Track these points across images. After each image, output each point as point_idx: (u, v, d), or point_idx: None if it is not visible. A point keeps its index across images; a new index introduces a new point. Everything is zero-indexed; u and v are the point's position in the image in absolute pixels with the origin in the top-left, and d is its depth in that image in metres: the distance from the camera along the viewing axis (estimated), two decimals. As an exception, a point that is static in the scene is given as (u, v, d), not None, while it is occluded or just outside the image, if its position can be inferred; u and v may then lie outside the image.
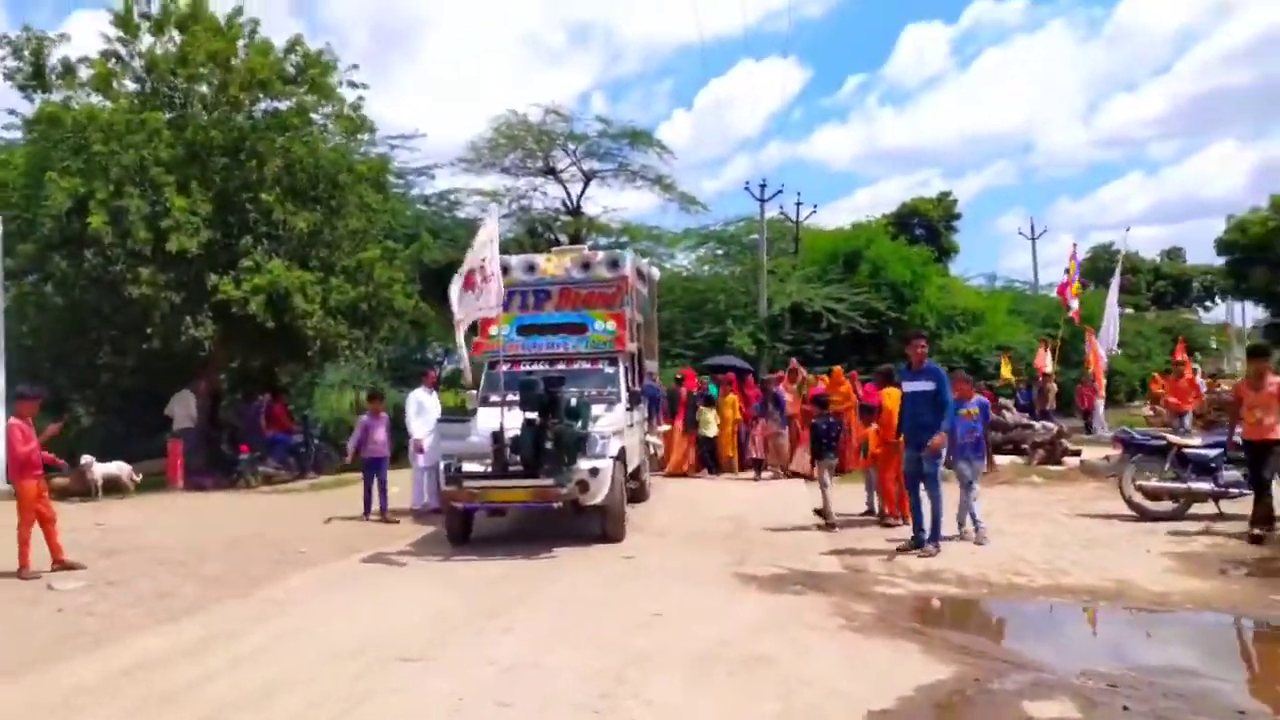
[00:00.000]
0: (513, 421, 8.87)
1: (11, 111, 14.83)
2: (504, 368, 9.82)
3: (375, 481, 10.79)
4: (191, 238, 13.41)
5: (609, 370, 10.60)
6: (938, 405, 8.12)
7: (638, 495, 11.42)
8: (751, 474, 14.70)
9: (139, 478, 13.64)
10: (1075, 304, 19.73)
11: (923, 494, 8.34)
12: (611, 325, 10.77)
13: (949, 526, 8.53)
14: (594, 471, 8.77)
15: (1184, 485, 9.35)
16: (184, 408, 15.27)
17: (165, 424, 15.42)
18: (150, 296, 13.45)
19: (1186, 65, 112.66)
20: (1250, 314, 39.69)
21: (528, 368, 10.41)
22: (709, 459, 15.23)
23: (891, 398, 9.36)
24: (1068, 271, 19.90)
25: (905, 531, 8.69)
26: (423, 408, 11.33)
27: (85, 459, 12.94)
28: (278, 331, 14.59)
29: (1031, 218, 42.46)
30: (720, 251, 29.90)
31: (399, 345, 23.52)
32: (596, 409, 9.51)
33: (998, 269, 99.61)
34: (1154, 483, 9.46)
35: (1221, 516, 9.24)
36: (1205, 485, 9.31)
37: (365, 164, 16.41)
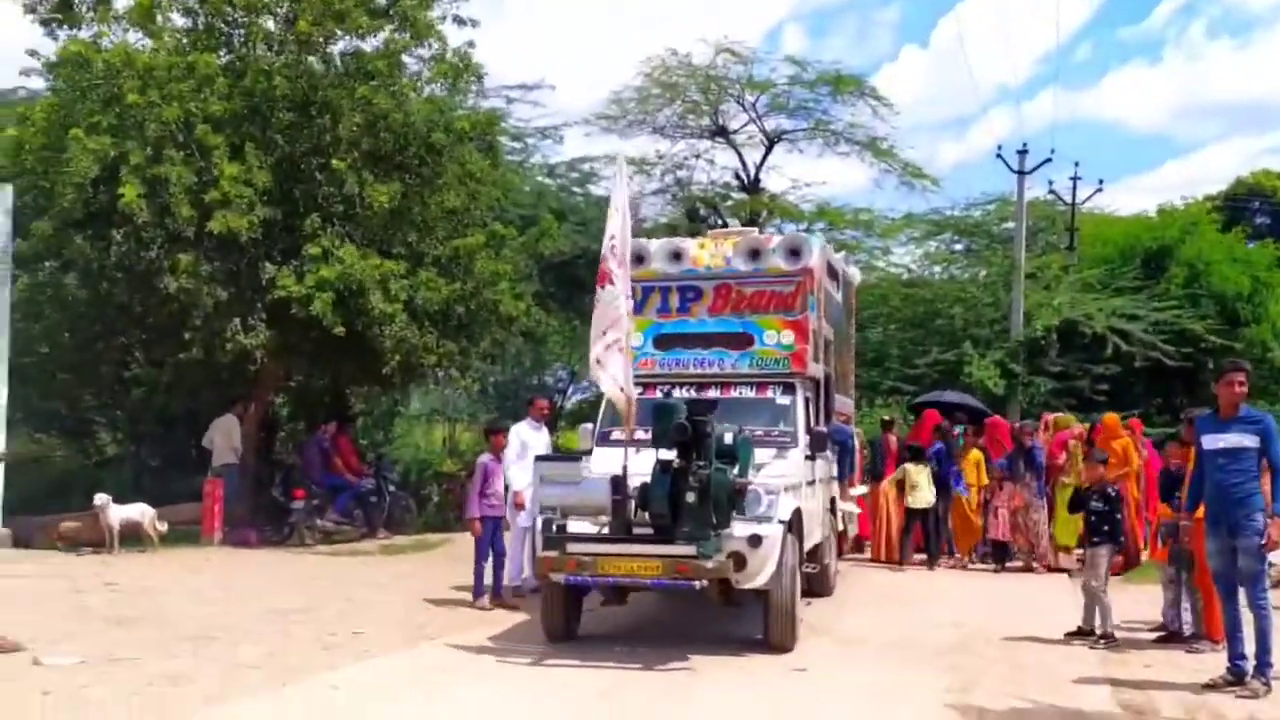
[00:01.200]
0: (642, 465, 8.79)
1: (31, 52, 15.82)
2: (635, 393, 9.65)
3: (493, 548, 10.91)
4: (243, 216, 14.21)
5: (782, 401, 10.44)
6: (1267, 471, 7.61)
7: (818, 584, 11.18)
8: (991, 564, 14.64)
9: (164, 526, 14.54)
10: None
11: (1243, 604, 7.89)
12: (789, 337, 10.53)
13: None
14: (755, 541, 8.55)
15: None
16: (226, 438, 16.22)
17: (204, 458, 16.45)
18: (190, 291, 14.34)
19: None
20: None
21: (666, 392, 10.21)
22: (926, 540, 15.26)
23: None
24: None
25: (1219, 660, 8.25)
26: (527, 448, 11.46)
27: (100, 499, 13.91)
28: (348, 341, 15.28)
29: None
30: (959, 246, 29.58)
31: (509, 365, 24.29)
32: (762, 454, 9.34)
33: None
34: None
35: None
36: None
37: (469, 120, 16.94)
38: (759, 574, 8.56)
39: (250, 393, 16.75)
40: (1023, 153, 25.43)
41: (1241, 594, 7.85)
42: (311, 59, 15.94)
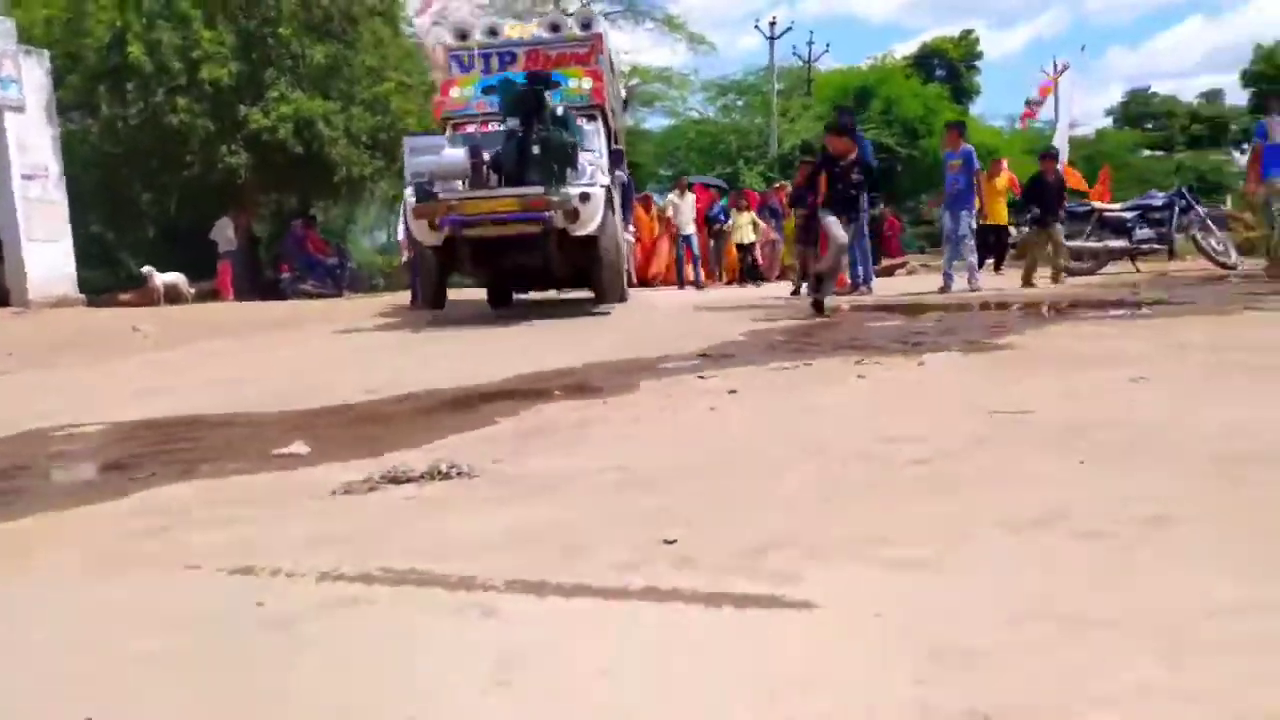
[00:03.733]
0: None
1: None
2: (470, 129, 9.29)
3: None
4: (222, 68, 14.94)
5: (588, 127, 9.48)
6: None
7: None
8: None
9: (193, 291, 15.61)
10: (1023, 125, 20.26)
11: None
12: (588, 82, 9.72)
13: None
14: (584, 197, 7.86)
15: (1102, 245, 10.84)
16: (224, 233, 17.14)
17: (209, 253, 17.35)
18: (188, 123, 15.12)
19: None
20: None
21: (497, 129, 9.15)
22: (749, 270, 16.00)
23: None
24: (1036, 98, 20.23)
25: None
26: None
27: (146, 269, 14.87)
28: (306, 161, 16.24)
29: (1055, 57, 42.15)
30: (740, 102, 30.64)
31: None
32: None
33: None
34: (1076, 243, 10.95)
35: (1137, 270, 10.79)
36: (1120, 243, 10.80)
37: (374, -1, 17.59)
38: (590, 222, 7.92)
39: (238, 202, 17.56)
40: (772, 22, 26.98)
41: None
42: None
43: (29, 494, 2.76)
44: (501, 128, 8.70)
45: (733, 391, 3.57)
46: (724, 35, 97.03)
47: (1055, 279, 9.86)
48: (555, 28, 10.28)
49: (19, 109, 13.47)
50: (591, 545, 1.91)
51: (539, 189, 7.73)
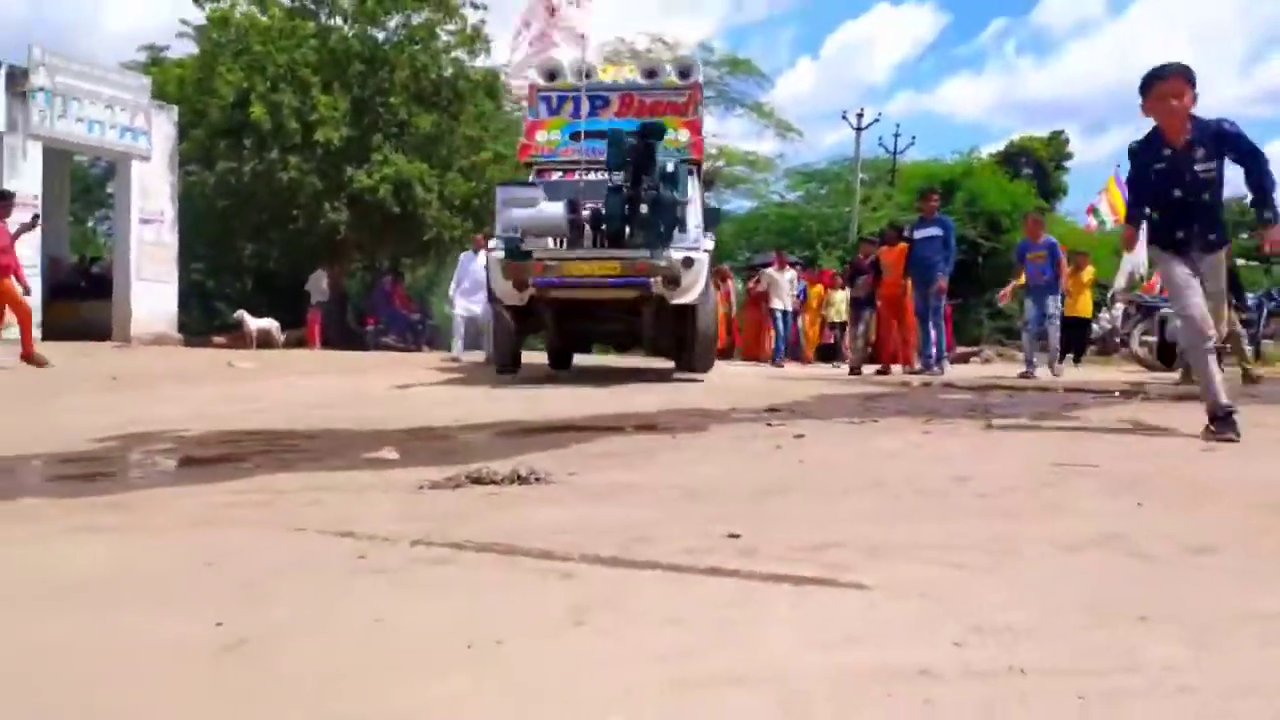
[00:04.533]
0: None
1: (184, 21, 17.76)
2: (556, 176, 8.52)
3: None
4: (334, 131, 15.93)
5: (686, 179, 8.39)
6: (945, 249, 9.68)
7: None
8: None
9: (284, 337, 16.35)
10: (1092, 221, 20.02)
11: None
12: (685, 134, 8.83)
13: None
14: (688, 263, 7.21)
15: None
16: (319, 285, 17.97)
17: (299, 302, 18.19)
18: (297, 180, 16.08)
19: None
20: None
21: (585, 178, 8.36)
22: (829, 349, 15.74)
23: (890, 255, 10.63)
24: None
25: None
26: (466, 272, 11.73)
27: (240, 313, 15.66)
28: (401, 221, 17.07)
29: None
30: (823, 190, 30.97)
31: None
32: None
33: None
34: (1153, 337, 10.81)
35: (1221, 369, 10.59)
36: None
37: (481, 74, 18.60)
38: (690, 291, 7.33)
39: (335, 257, 18.44)
40: (860, 114, 27.45)
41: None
42: (374, 29, 17.47)
43: (139, 477, 3.03)
44: (591, 177, 8.07)
45: (800, 436, 3.69)
46: (811, 128, 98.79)
47: (1247, 377, 7.73)
48: (652, 74, 9.37)
49: (145, 158, 14.57)
50: (660, 537, 2.05)
51: (644, 252, 7.09)
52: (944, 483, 2.68)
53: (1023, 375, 9.19)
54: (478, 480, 2.74)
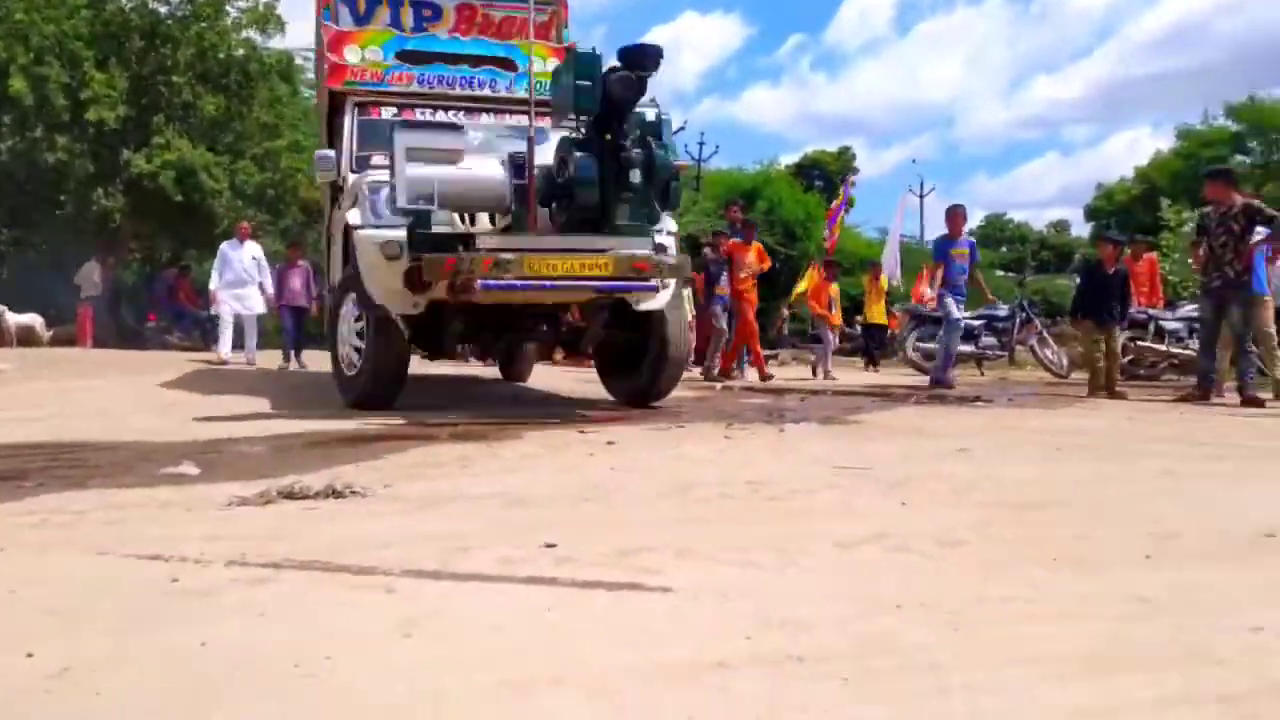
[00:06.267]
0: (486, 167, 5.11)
1: None
2: (388, 113, 6.15)
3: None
4: (110, 111, 14.70)
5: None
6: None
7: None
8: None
9: (49, 334, 14.94)
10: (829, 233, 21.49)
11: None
12: (555, 64, 5.95)
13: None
14: (660, 248, 5.32)
15: (953, 350, 11.80)
16: (91, 278, 16.50)
17: (72, 296, 16.66)
18: (65, 163, 14.73)
19: (1105, 51, 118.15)
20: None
21: (426, 115, 6.19)
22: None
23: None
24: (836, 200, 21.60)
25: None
26: (228, 264, 10.92)
27: (-1, 307, 14.19)
28: (186, 210, 15.99)
29: (922, 177, 46.03)
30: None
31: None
32: None
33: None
34: (928, 345, 11.89)
35: (981, 374, 11.77)
36: (968, 348, 11.78)
37: (274, 57, 17.71)
38: (661, 295, 5.47)
39: (110, 246, 17.01)
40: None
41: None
42: (155, 3, 16.29)
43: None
44: (455, 118, 6.04)
45: (611, 443, 3.88)
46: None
47: (1108, 391, 7.57)
48: None
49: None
50: (479, 548, 2.16)
51: (640, 242, 5.08)
52: (742, 487, 2.93)
53: (936, 383, 8.39)
54: (290, 495, 2.73)
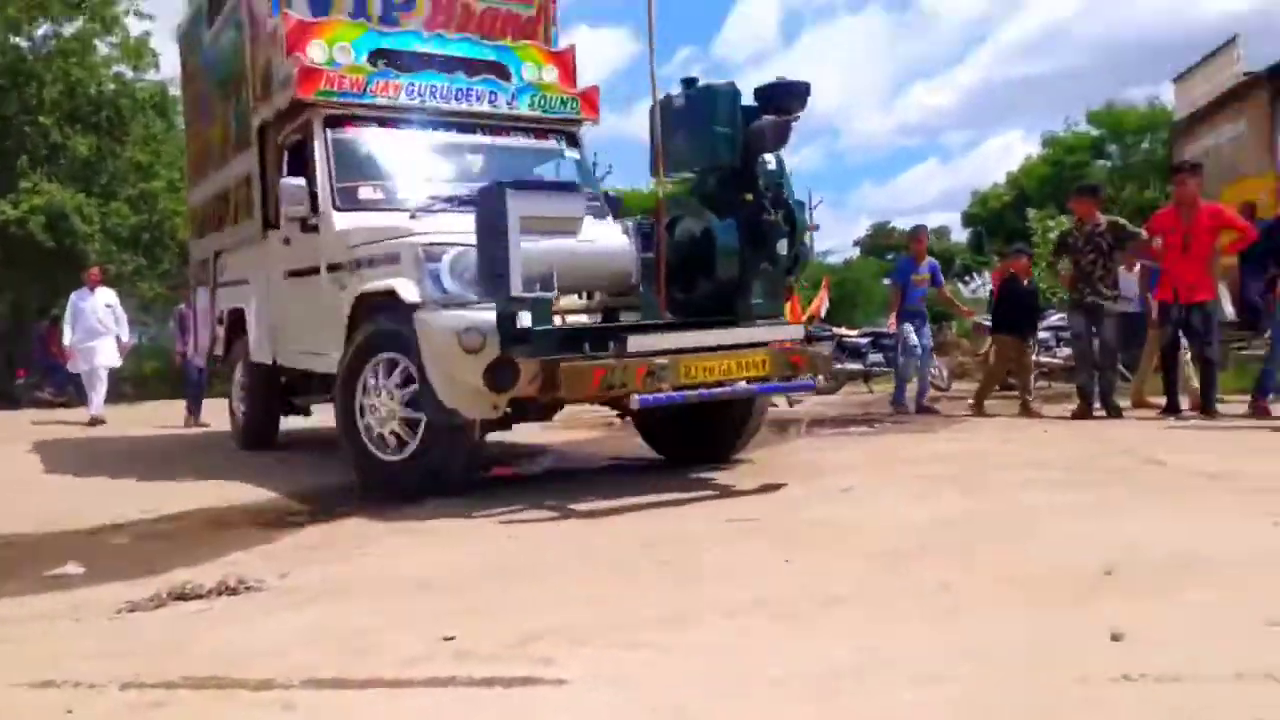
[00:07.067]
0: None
1: None
2: (367, 131, 5.24)
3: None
4: (-32, 155, 13.98)
5: (572, 154, 5.77)
6: None
7: None
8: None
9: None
10: None
11: None
12: (553, 73, 5.81)
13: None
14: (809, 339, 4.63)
15: (841, 367, 12.26)
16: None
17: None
18: (-81, 212, 13.91)
19: (978, 56, 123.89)
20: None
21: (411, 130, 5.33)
22: None
23: None
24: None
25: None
26: (79, 315, 10.31)
27: None
28: (58, 256, 15.27)
29: (810, 190, 47.33)
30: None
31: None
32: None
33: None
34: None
35: (870, 390, 12.23)
36: (855, 365, 12.24)
37: (147, 91, 17.13)
38: None
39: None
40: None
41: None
42: (18, 39, 15.56)
43: None
44: (444, 133, 5.30)
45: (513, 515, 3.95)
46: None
47: (1026, 409, 7.57)
48: None
49: None
50: (379, 645, 2.21)
51: (795, 331, 4.49)
52: (634, 552, 3.05)
53: (895, 406, 8.40)
54: (182, 596, 2.72)
